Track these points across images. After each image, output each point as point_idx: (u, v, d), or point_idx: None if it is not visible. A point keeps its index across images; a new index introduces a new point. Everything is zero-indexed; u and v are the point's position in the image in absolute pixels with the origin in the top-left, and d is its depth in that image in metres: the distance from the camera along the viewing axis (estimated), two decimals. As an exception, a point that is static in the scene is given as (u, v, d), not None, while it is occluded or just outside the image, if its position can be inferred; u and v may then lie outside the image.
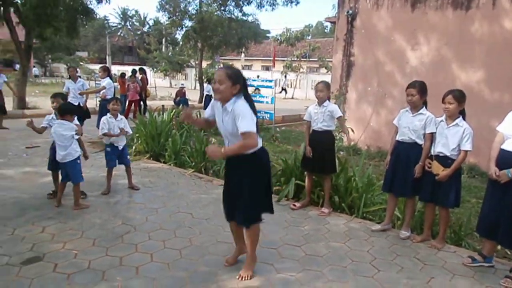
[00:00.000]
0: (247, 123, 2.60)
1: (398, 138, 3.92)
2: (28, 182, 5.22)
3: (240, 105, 2.67)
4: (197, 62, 18.16)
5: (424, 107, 3.81)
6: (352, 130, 8.15)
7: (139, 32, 56.48)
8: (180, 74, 33.91)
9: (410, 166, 3.76)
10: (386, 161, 4.06)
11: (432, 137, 3.69)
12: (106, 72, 7.80)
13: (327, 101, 4.37)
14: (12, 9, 11.68)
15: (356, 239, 3.84)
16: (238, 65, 39.22)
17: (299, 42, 31.19)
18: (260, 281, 2.96)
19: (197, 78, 21.01)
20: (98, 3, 12.89)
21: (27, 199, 4.53)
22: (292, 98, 26.89)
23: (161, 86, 26.61)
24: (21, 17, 11.60)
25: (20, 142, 7.65)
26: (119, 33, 56.13)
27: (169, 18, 16.28)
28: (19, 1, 11.58)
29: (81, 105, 7.65)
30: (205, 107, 12.66)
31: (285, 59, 31.45)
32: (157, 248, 3.44)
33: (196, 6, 16.05)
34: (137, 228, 3.86)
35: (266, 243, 3.61)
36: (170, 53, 34.02)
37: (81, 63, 34.53)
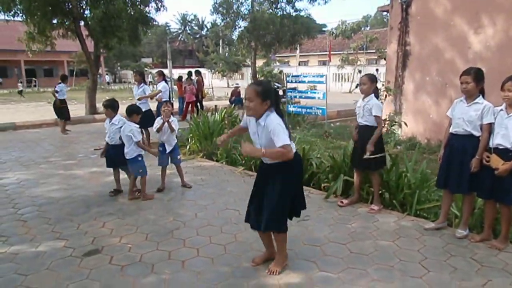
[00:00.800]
0: (282, 137, 2.68)
1: (452, 130, 3.66)
2: (95, 181, 5.72)
3: (272, 120, 2.73)
4: (251, 62, 18.38)
5: (480, 96, 3.52)
6: (405, 124, 7.70)
7: (198, 36, 58.73)
8: (236, 74, 34.55)
9: (466, 160, 3.49)
10: (439, 155, 3.81)
11: (490, 128, 3.39)
12: (161, 76, 8.25)
13: (372, 95, 4.20)
14: (82, 23, 12.85)
15: (406, 237, 3.66)
16: (294, 61, 39.07)
17: (356, 34, 30.20)
18: (300, 278, 2.96)
19: (251, 77, 21.31)
20: (157, 11, 13.69)
21: (92, 197, 4.97)
22: (350, 92, 26.05)
23: (218, 87, 27.37)
24: (90, 30, 12.72)
25: (90, 144, 8.38)
26: (179, 38, 58.83)
27: (222, 20, 16.70)
28: (88, 15, 12.68)
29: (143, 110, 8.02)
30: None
31: (342, 52, 30.66)
32: (204, 243, 3.58)
33: (248, 6, 16.28)
34: (187, 224, 4.05)
35: (310, 240, 3.59)
36: (226, 54, 34.83)
37: (146, 69, 36.75)
